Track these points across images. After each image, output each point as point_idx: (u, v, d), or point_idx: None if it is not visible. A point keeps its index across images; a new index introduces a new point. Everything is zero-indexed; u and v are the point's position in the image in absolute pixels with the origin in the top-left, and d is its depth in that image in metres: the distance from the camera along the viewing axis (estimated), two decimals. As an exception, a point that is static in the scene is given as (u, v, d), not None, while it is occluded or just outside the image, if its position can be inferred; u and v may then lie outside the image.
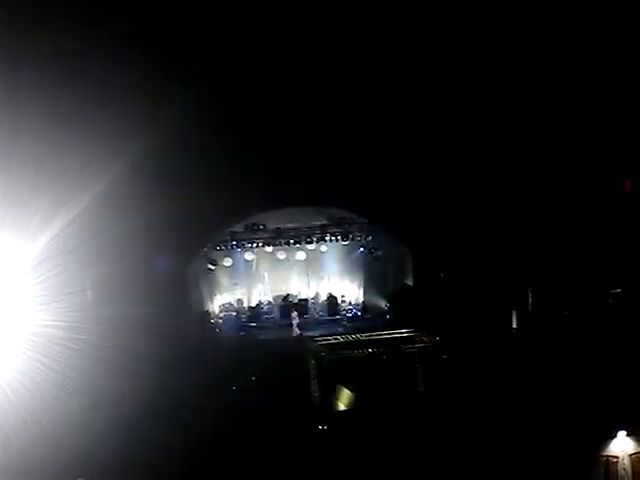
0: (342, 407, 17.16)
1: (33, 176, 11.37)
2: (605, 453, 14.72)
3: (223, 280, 25.41)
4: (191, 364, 16.70)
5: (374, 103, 16.59)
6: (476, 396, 15.52)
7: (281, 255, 25.31)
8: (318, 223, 24.36)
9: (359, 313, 24.86)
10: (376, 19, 14.31)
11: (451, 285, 20.42)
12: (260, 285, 25.84)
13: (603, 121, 16.43)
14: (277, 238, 24.33)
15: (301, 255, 25.22)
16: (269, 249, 24.94)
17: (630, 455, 14.72)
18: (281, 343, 21.16)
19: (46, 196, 11.75)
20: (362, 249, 25.18)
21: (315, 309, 25.55)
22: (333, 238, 24.56)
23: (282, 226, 24.09)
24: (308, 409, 16.59)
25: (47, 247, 11.92)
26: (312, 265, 25.74)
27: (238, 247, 24.31)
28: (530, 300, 18.71)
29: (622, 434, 14.71)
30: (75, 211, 12.60)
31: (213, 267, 24.24)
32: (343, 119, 17.05)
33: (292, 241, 24.42)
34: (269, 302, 25.70)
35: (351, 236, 24.53)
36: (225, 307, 25.20)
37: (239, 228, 23.95)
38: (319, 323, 24.49)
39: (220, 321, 24.36)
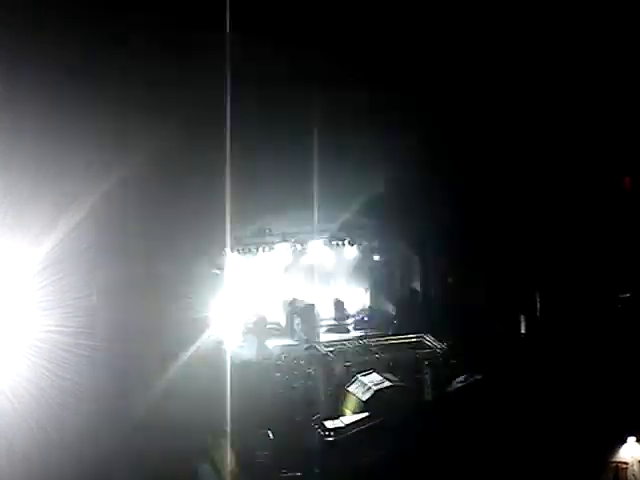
0: (349, 414, 17.07)
1: (33, 176, 11.36)
2: (615, 459, 14.55)
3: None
4: (199, 368, 16.67)
5: (381, 103, 16.61)
6: (485, 401, 15.45)
7: (288, 259, 25.22)
8: (325, 227, 24.28)
9: (366, 318, 24.68)
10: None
11: (459, 290, 20.35)
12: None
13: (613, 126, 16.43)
14: (284, 242, 24.22)
15: (307, 259, 25.17)
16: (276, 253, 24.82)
17: (640, 461, 14.58)
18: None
19: (47, 197, 11.72)
20: (369, 254, 25.02)
21: (321, 314, 25.42)
22: (340, 242, 24.46)
23: (288, 230, 24.01)
24: (315, 417, 16.55)
25: (51, 251, 11.89)
26: (319, 270, 25.64)
27: (244, 251, 24.26)
28: (538, 305, 18.62)
29: (632, 440, 14.53)
30: (79, 213, 12.57)
31: (219, 272, 24.14)
32: (349, 120, 17.06)
33: (298, 245, 24.32)
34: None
35: (358, 241, 24.43)
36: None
37: (246, 232, 23.91)
38: (325, 328, 24.39)
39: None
